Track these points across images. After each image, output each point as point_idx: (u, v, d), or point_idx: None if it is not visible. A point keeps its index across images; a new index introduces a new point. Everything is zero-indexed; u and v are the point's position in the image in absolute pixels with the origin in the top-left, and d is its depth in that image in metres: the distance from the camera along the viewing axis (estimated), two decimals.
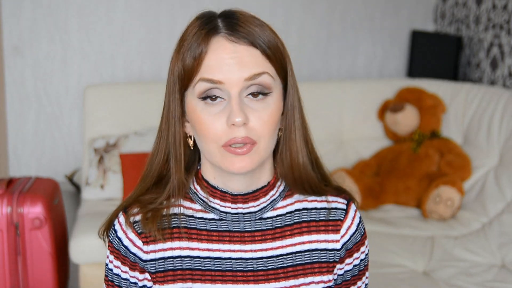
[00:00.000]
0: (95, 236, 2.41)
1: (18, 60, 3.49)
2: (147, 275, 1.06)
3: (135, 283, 1.07)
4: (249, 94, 0.97)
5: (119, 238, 1.06)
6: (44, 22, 3.48)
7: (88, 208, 2.76)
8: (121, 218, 1.07)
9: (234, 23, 0.98)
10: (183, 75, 0.98)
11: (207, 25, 0.98)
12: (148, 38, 3.61)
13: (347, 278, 1.11)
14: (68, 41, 3.52)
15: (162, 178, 1.07)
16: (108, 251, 1.08)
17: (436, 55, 3.59)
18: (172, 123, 1.02)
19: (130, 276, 1.06)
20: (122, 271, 1.07)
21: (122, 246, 1.06)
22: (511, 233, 2.54)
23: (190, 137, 1.04)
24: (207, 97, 0.97)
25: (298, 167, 1.05)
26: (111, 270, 1.08)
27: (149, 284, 1.06)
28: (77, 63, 3.56)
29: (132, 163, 2.78)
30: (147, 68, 3.63)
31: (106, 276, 1.09)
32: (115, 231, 1.06)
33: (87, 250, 2.45)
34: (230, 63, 0.96)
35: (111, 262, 1.08)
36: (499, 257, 2.48)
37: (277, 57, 1.00)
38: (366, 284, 1.15)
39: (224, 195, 1.05)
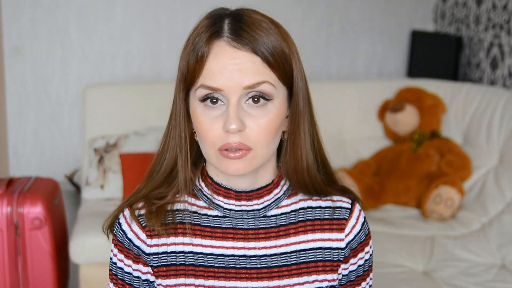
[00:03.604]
0: (95, 236, 2.44)
1: (18, 60, 3.49)
2: (150, 269, 1.06)
3: (138, 277, 1.07)
4: (249, 99, 0.97)
5: (123, 231, 1.06)
6: (44, 22, 3.48)
7: (88, 208, 2.76)
8: (126, 212, 1.07)
9: (239, 27, 0.97)
10: (186, 76, 0.99)
11: (213, 27, 0.98)
12: (148, 38, 3.60)
13: (352, 279, 1.11)
14: (68, 41, 3.52)
15: (172, 175, 1.07)
16: (112, 245, 1.09)
17: (436, 55, 3.59)
18: (178, 122, 1.03)
19: (134, 270, 1.07)
20: (125, 264, 1.07)
21: (126, 239, 1.06)
22: (511, 233, 2.54)
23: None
24: (207, 99, 0.98)
25: (302, 171, 1.05)
26: (115, 263, 1.09)
27: (151, 278, 1.06)
28: (77, 63, 3.56)
29: (132, 163, 2.78)
30: (147, 68, 3.63)
31: (110, 270, 1.10)
32: (120, 224, 1.07)
33: (87, 250, 2.45)
34: (231, 69, 0.95)
35: (115, 255, 1.08)
36: (499, 257, 2.48)
37: (280, 64, 0.99)
38: (370, 286, 1.15)
39: (228, 192, 1.05)
